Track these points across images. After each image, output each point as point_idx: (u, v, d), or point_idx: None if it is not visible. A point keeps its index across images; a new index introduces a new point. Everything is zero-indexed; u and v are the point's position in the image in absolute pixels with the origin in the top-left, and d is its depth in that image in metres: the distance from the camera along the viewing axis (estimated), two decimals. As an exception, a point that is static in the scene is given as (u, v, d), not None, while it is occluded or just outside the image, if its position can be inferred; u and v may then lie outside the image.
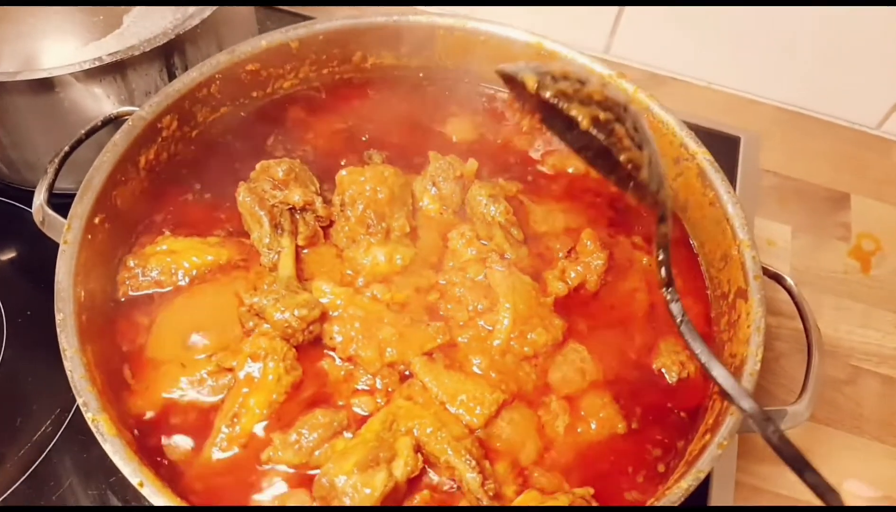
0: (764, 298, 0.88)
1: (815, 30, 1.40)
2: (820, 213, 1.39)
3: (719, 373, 0.76)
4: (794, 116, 1.54)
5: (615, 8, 1.46)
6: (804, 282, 1.29)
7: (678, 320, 0.80)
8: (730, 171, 1.38)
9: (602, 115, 0.77)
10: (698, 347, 0.78)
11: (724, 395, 0.76)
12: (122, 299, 0.90)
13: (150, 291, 0.90)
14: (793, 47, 1.45)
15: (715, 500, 1.00)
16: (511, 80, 0.82)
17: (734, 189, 1.32)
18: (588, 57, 1.09)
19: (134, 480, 0.68)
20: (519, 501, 0.79)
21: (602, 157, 0.82)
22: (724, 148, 1.42)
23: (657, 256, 0.82)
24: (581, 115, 0.76)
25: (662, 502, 0.72)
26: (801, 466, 0.71)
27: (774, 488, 1.06)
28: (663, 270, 0.81)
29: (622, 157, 0.77)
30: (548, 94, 0.77)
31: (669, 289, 0.81)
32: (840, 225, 1.38)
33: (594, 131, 0.76)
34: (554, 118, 0.84)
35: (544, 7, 1.48)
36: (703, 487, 1.00)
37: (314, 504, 0.76)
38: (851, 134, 1.53)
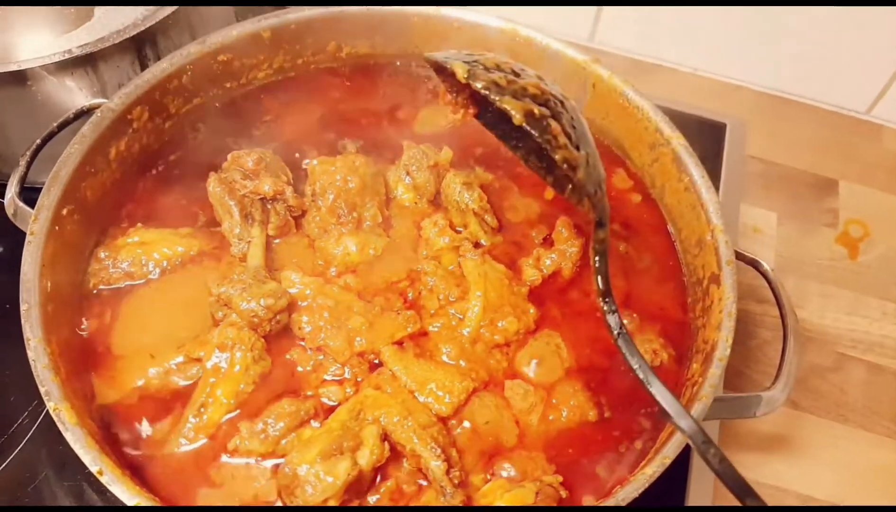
0: (736, 283, 0.87)
1: (801, 14, 1.39)
2: (807, 199, 1.38)
3: (658, 390, 0.73)
4: (781, 102, 1.52)
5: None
6: (790, 269, 1.27)
7: (615, 333, 0.77)
8: (715, 157, 1.37)
9: (537, 110, 0.73)
10: (636, 363, 0.75)
11: (664, 414, 0.73)
12: (94, 291, 0.90)
13: (121, 284, 0.90)
14: (779, 32, 1.43)
15: (694, 488, 0.99)
16: (442, 70, 0.79)
17: (720, 175, 1.34)
18: (562, 43, 1.08)
19: (93, 469, 0.68)
20: (486, 490, 0.78)
21: (538, 155, 0.79)
22: (709, 134, 1.41)
23: (594, 263, 0.78)
24: (514, 110, 0.72)
25: (627, 489, 0.71)
26: (742, 491, 0.68)
27: (756, 477, 1.05)
28: (600, 280, 0.78)
29: (557, 157, 0.73)
30: (479, 85, 0.73)
31: (606, 299, 0.78)
32: (827, 211, 1.36)
33: (527, 127, 0.72)
34: (488, 111, 0.81)
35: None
36: (683, 475, 0.99)
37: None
38: (839, 119, 1.51)
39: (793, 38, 1.43)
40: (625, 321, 0.79)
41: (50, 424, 0.96)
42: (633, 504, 0.72)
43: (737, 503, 0.92)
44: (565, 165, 0.74)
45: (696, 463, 1.00)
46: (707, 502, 0.98)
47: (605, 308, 0.77)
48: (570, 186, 0.77)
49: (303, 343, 0.88)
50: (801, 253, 1.30)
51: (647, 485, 0.72)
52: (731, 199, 1.32)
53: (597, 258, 0.77)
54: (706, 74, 1.54)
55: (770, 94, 1.53)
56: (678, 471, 1.00)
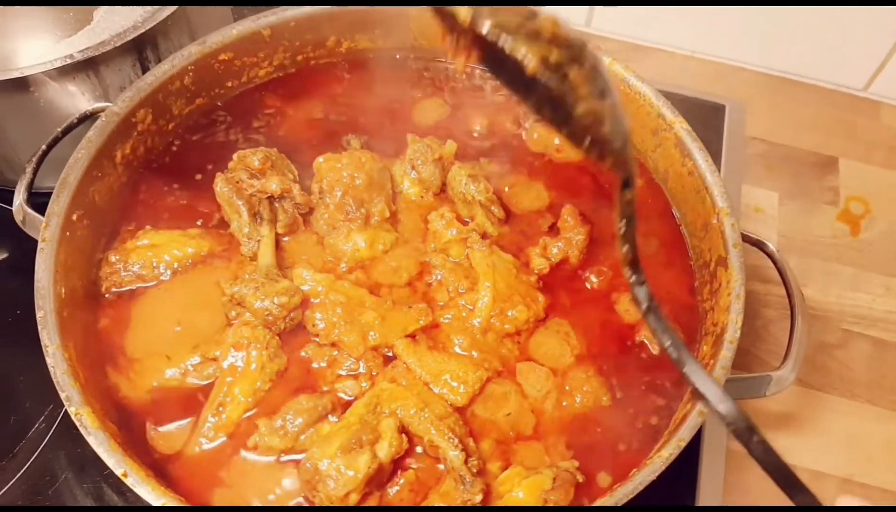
0: (743, 265, 0.88)
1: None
2: (807, 178, 1.38)
3: (692, 370, 0.64)
4: (780, 82, 1.53)
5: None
6: (793, 248, 1.28)
7: (643, 308, 0.67)
8: (715, 139, 1.38)
9: (554, 55, 0.62)
10: (668, 340, 0.65)
11: (697, 396, 0.64)
12: (106, 295, 0.90)
13: (133, 287, 0.91)
14: (775, 12, 1.43)
15: (706, 468, 1.01)
16: (442, 13, 0.65)
17: (720, 157, 1.34)
18: (563, 31, 1.07)
19: (118, 471, 0.69)
20: (504, 477, 0.79)
21: (553, 105, 0.66)
22: (709, 116, 1.42)
23: (620, 229, 0.67)
24: (528, 55, 0.61)
25: (644, 472, 0.73)
26: (790, 485, 0.59)
27: (765, 454, 1.06)
28: (627, 247, 0.67)
29: (580, 109, 0.63)
30: (485, 29, 0.62)
31: (636, 269, 0.67)
32: (828, 189, 1.37)
33: (544, 76, 0.62)
34: (494, 54, 0.65)
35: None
36: (694, 455, 1.01)
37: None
38: (838, 97, 1.51)
39: (789, 18, 1.43)
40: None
41: (67, 428, 0.98)
42: (643, 494, 0.72)
43: (742, 502, 0.93)
44: (590, 119, 0.64)
45: (707, 443, 1.02)
46: (719, 483, 1.00)
47: (634, 279, 0.67)
48: (590, 139, 0.65)
49: (317, 339, 0.88)
50: (803, 232, 1.31)
51: (663, 468, 0.73)
52: (733, 181, 1.32)
53: (623, 222, 0.66)
54: (704, 56, 1.54)
55: (768, 74, 1.53)
56: (690, 451, 1.02)
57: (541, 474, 0.78)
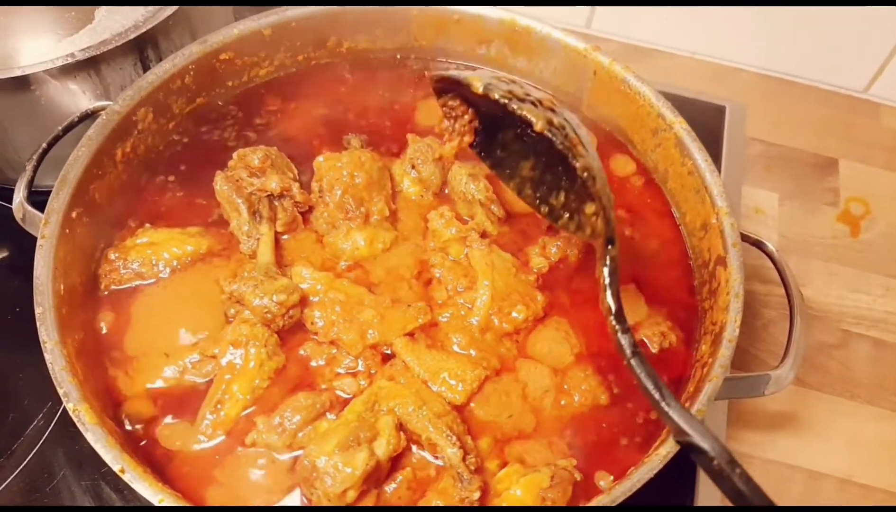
0: (742, 264, 0.88)
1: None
2: (807, 179, 1.38)
3: (676, 412, 0.69)
4: (780, 83, 1.53)
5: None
6: (793, 249, 1.28)
7: (628, 354, 0.72)
8: (715, 140, 1.38)
9: (555, 119, 0.75)
10: (651, 385, 0.70)
11: (679, 433, 0.69)
12: (106, 292, 0.90)
13: (132, 284, 0.91)
14: (775, 14, 1.43)
15: (702, 475, 1.01)
16: (446, 91, 0.81)
17: (720, 158, 1.34)
18: (562, 31, 1.08)
19: (115, 467, 0.69)
20: (502, 475, 0.79)
21: (534, 184, 0.81)
22: (709, 117, 1.42)
23: (604, 281, 0.75)
24: (535, 117, 0.74)
25: (642, 470, 0.73)
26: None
27: (764, 454, 1.06)
28: (611, 298, 0.74)
29: (579, 164, 0.74)
30: (496, 95, 0.75)
31: (620, 318, 0.73)
32: (828, 190, 1.37)
33: (550, 134, 0.74)
34: (487, 142, 0.83)
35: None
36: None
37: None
38: (838, 98, 1.52)
39: (789, 20, 1.43)
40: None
41: (65, 425, 0.98)
42: (642, 493, 0.72)
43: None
44: (585, 174, 0.74)
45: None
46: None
47: (618, 327, 0.73)
48: (568, 215, 0.80)
49: (316, 337, 0.88)
50: (803, 232, 1.31)
51: (661, 465, 0.73)
52: (733, 181, 1.32)
53: (608, 276, 0.75)
54: (704, 58, 1.55)
55: (768, 75, 1.54)
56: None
57: (539, 473, 0.78)
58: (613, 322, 0.74)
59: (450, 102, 0.85)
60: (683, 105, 1.36)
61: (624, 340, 0.73)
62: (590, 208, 0.79)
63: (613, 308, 0.74)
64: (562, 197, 0.82)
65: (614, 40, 1.56)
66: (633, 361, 0.72)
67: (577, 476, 0.79)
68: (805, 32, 1.45)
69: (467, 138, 0.85)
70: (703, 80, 1.50)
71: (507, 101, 0.75)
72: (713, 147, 1.35)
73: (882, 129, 1.48)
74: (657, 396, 0.70)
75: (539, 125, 0.75)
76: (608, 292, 0.75)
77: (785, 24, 1.45)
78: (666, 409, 0.69)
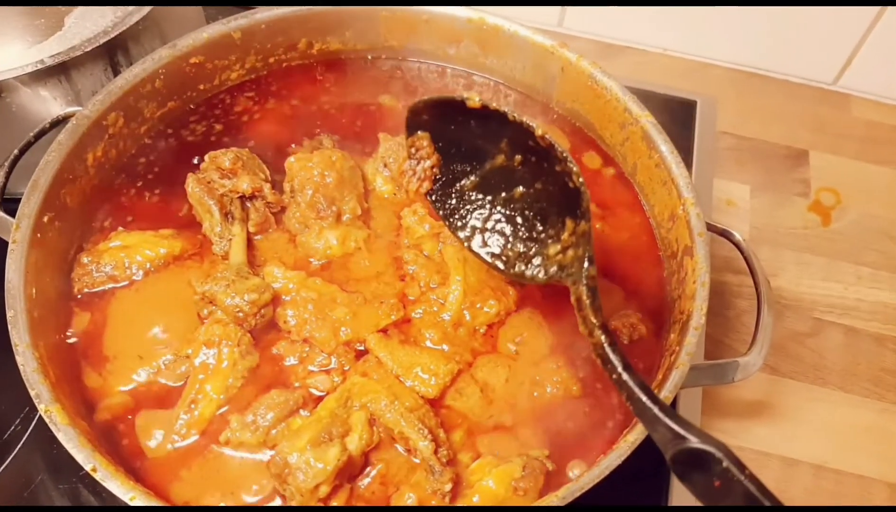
0: (708, 253, 0.89)
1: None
2: (778, 170, 1.40)
3: (676, 423, 0.66)
4: (750, 77, 1.55)
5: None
6: (764, 239, 1.30)
7: (619, 369, 0.71)
8: (687, 134, 1.39)
9: (547, 136, 0.79)
10: (644, 397, 0.69)
11: (675, 441, 0.65)
12: (79, 296, 0.91)
13: (105, 287, 0.91)
14: (744, 9, 1.45)
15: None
16: (418, 127, 0.85)
17: (692, 152, 1.36)
18: (530, 29, 1.09)
19: (87, 466, 0.69)
20: (475, 467, 0.80)
21: (499, 234, 0.86)
22: (680, 113, 1.43)
23: (586, 300, 0.76)
24: (536, 125, 0.78)
25: (610, 457, 0.74)
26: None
27: (738, 442, 1.07)
28: (593, 314, 0.75)
29: (575, 169, 0.78)
30: (494, 105, 0.80)
31: (606, 331, 0.74)
32: (799, 181, 1.39)
33: (549, 139, 0.78)
34: (442, 191, 0.88)
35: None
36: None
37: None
38: (808, 91, 1.54)
39: (759, 15, 1.45)
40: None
41: (43, 429, 0.97)
42: (615, 485, 0.73)
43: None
44: (582, 185, 0.78)
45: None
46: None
47: (607, 341, 0.73)
48: (523, 266, 0.84)
49: (289, 336, 0.89)
50: (774, 223, 1.33)
51: (629, 452, 0.74)
52: (704, 175, 1.34)
53: (590, 294, 0.76)
54: (675, 54, 1.56)
55: (738, 70, 1.56)
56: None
57: (511, 463, 0.79)
58: (600, 335, 0.74)
59: (417, 143, 0.88)
60: (655, 101, 1.39)
61: (614, 356, 0.72)
62: (554, 248, 0.82)
63: (598, 323, 0.74)
64: (520, 246, 0.85)
65: (586, 38, 1.57)
66: (624, 375, 0.70)
67: (550, 466, 0.80)
68: (774, 27, 1.47)
69: (426, 185, 0.88)
70: (674, 76, 1.52)
71: (507, 110, 0.79)
72: (685, 141, 1.38)
73: (852, 119, 1.50)
74: (653, 408, 0.68)
75: (539, 131, 0.79)
76: (590, 309, 0.75)
77: (754, 20, 1.47)
78: (663, 418, 0.66)
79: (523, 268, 0.84)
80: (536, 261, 0.83)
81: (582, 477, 0.72)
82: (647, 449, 0.74)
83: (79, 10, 1.05)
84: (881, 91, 1.52)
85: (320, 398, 0.84)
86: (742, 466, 0.61)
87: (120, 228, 0.95)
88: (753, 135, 1.45)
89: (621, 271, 1.00)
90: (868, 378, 1.15)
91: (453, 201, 0.89)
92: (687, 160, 1.33)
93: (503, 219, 0.86)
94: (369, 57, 1.17)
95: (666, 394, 0.78)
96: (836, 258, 1.29)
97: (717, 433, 1.05)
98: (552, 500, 0.71)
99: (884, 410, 1.12)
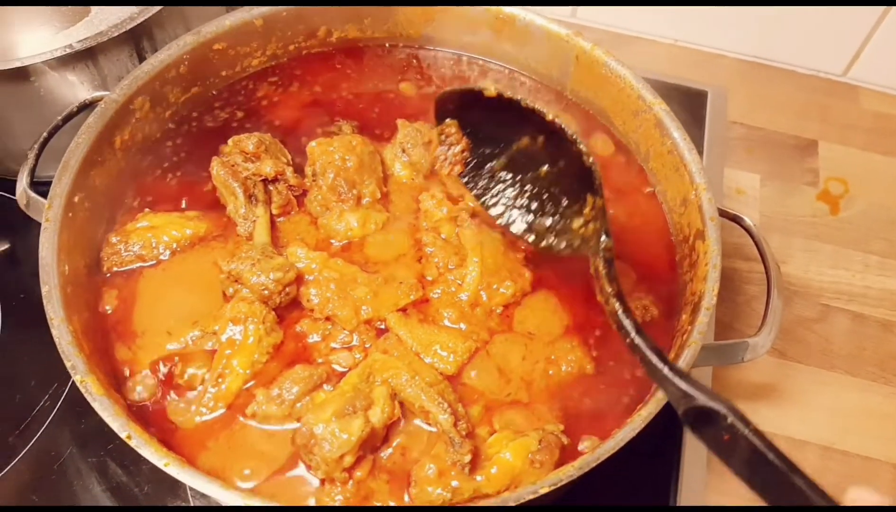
0: (719, 237, 0.91)
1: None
2: (788, 160, 1.42)
3: (685, 382, 0.69)
4: (761, 68, 1.57)
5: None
6: (774, 227, 1.32)
7: (632, 334, 0.76)
8: (698, 124, 1.42)
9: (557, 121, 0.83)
10: (655, 358, 0.73)
11: (684, 399, 0.68)
12: (108, 274, 0.93)
13: (133, 266, 0.94)
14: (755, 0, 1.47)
15: (688, 437, 1.05)
16: (447, 114, 0.90)
17: (703, 141, 1.38)
18: (545, 18, 1.11)
19: (122, 434, 0.72)
20: (493, 441, 0.83)
21: (524, 210, 0.90)
22: (692, 102, 1.46)
23: (603, 271, 0.80)
24: (547, 111, 0.82)
25: (625, 430, 0.76)
26: (789, 465, 0.61)
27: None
28: (609, 284, 0.79)
29: (585, 149, 0.82)
30: (509, 94, 0.84)
31: (621, 300, 0.78)
32: (808, 170, 1.41)
33: (559, 123, 0.82)
34: (474, 172, 0.92)
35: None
36: (676, 425, 1.04)
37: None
38: (817, 82, 1.56)
39: (769, 6, 1.47)
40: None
41: (71, 405, 1.01)
42: (626, 462, 0.76)
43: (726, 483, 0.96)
44: (591, 160, 0.82)
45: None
46: (702, 465, 1.04)
47: (622, 309, 0.78)
48: (554, 237, 0.88)
49: (311, 314, 0.91)
50: (784, 211, 1.35)
51: (643, 425, 0.76)
52: (715, 164, 1.36)
53: (606, 265, 0.81)
54: (686, 45, 1.58)
55: (749, 60, 1.57)
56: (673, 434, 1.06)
57: (527, 437, 0.82)
58: (616, 304, 0.78)
59: (447, 130, 0.92)
60: (666, 90, 1.40)
61: (627, 321, 0.77)
62: (577, 222, 0.86)
63: (613, 291, 0.79)
64: (547, 221, 0.89)
65: (599, 29, 1.59)
66: (637, 339, 0.75)
67: (565, 440, 0.83)
68: (784, 18, 1.49)
69: (458, 168, 0.93)
70: (685, 67, 1.54)
71: (521, 99, 0.84)
72: (696, 131, 1.40)
73: (860, 111, 1.52)
74: (664, 368, 0.72)
75: (550, 116, 0.83)
76: (606, 279, 0.80)
77: (765, 11, 1.48)
78: (673, 378, 0.70)
79: (552, 241, 0.88)
80: (563, 234, 0.87)
81: (598, 448, 0.75)
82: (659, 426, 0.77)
83: (104, -2, 1.08)
84: (890, 83, 1.54)
85: (342, 374, 0.87)
86: (747, 422, 0.64)
87: (146, 210, 0.98)
88: (763, 125, 1.47)
89: (634, 255, 1.03)
90: (874, 363, 1.17)
91: (484, 181, 0.92)
92: (698, 149, 1.35)
93: (531, 196, 0.90)
94: (387, 45, 1.19)
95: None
96: (844, 246, 1.31)
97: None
98: (569, 471, 0.73)
99: (890, 394, 1.14)
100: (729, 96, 1.48)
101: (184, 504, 0.95)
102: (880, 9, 1.41)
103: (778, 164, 1.41)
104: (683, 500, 1.00)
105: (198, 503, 0.95)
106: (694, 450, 1.04)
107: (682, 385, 0.69)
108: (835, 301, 1.24)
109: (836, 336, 1.20)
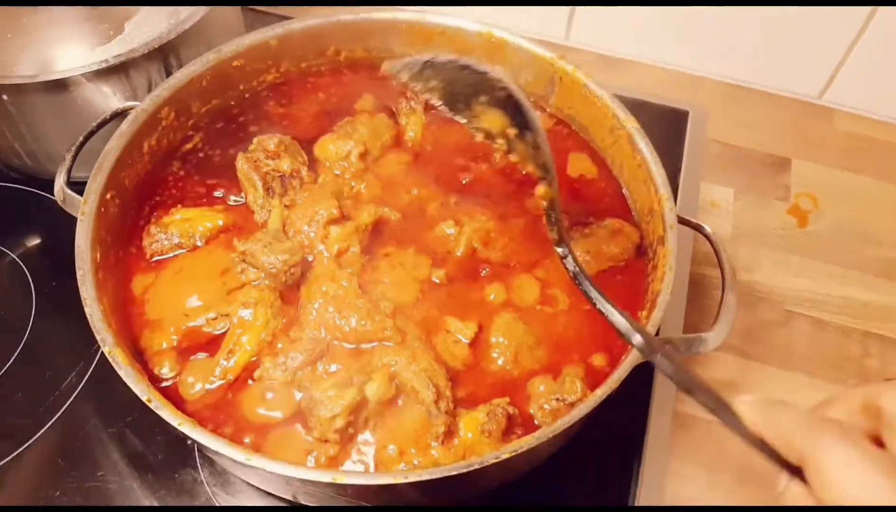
0: (677, 242, 1.01)
1: (755, 10, 1.54)
2: (761, 176, 1.52)
3: (614, 317, 0.82)
4: (740, 90, 1.67)
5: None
6: (744, 238, 1.42)
7: (573, 272, 0.89)
8: (679, 141, 1.52)
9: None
10: (593, 294, 0.85)
11: (620, 335, 0.82)
12: (153, 260, 1.05)
13: (172, 254, 1.06)
14: (736, 26, 1.58)
15: (654, 426, 1.14)
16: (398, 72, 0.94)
17: (682, 158, 1.49)
18: (533, 42, 1.23)
19: (144, 398, 0.83)
20: (462, 420, 0.93)
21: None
22: (674, 121, 1.56)
23: (547, 214, 0.90)
24: (491, 67, 0.89)
25: (580, 408, 0.86)
26: (691, 386, 0.74)
27: (708, 416, 1.17)
28: (555, 228, 0.90)
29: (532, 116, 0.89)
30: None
31: (561, 244, 0.90)
32: (780, 186, 1.51)
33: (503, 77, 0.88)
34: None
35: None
36: (643, 415, 1.15)
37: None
38: (794, 104, 1.66)
39: (749, 31, 1.58)
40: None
41: (94, 382, 1.13)
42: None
43: (688, 458, 1.05)
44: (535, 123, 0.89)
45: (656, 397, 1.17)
46: (666, 430, 1.14)
47: (563, 251, 0.90)
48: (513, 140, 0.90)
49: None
50: (754, 224, 1.44)
51: (597, 403, 0.86)
52: (692, 178, 1.47)
53: (551, 211, 0.90)
54: (672, 67, 1.69)
55: (729, 82, 1.68)
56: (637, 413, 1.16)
57: (476, 411, 0.92)
58: (559, 249, 0.90)
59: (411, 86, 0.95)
60: (651, 110, 1.52)
61: (569, 263, 0.90)
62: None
63: (556, 237, 0.90)
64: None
65: (591, 51, 1.70)
66: (578, 279, 0.88)
67: (511, 410, 0.93)
68: (763, 43, 1.59)
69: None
70: (670, 88, 1.65)
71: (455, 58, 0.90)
72: (676, 148, 1.51)
73: (834, 131, 1.62)
74: (599, 306, 0.84)
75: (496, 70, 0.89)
76: (553, 226, 0.90)
77: (746, 36, 1.59)
78: (609, 317, 0.82)
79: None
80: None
81: (555, 425, 0.85)
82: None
83: (138, 17, 1.21)
84: (864, 106, 1.63)
85: (342, 349, 0.97)
86: (663, 345, 0.77)
87: (179, 206, 1.10)
88: (740, 143, 1.57)
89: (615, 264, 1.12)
90: (830, 364, 1.26)
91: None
92: (677, 165, 1.47)
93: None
94: (389, 63, 1.31)
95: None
96: (810, 257, 1.40)
97: (688, 408, 1.19)
98: (529, 440, 0.83)
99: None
100: (709, 116, 1.59)
101: (192, 471, 1.06)
102: (853, 35, 1.51)
103: (752, 180, 1.51)
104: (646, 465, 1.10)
105: (206, 473, 1.05)
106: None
107: (613, 323, 0.81)
108: (798, 307, 1.34)
109: (796, 340, 1.29)
